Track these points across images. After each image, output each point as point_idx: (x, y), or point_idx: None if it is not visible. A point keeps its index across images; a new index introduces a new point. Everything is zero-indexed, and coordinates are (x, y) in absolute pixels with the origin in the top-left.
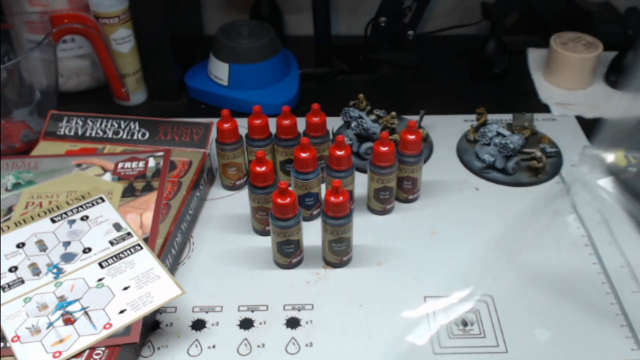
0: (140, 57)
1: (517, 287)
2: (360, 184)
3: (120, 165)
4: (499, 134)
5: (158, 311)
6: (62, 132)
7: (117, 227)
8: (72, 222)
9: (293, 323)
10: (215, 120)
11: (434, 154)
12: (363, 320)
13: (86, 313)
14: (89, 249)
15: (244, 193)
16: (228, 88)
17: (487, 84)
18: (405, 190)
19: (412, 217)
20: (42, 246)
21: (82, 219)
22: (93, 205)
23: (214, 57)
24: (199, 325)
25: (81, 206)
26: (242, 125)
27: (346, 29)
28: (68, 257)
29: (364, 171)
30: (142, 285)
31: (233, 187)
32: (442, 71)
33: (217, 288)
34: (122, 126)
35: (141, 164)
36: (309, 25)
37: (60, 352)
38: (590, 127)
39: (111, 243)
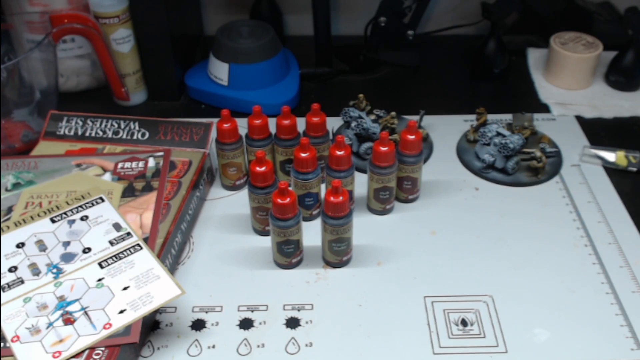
0: (140, 57)
1: (517, 287)
2: (360, 184)
3: (120, 165)
4: (498, 134)
5: (158, 311)
6: (62, 132)
7: (117, 227)
8: (71, 222)
9: (293, 323)
10: (215, 120)
11: (434, 154)
12: (363, 320)
13: (86, 313)
14: (89, 249)
15: (244, 193)
16: (228, 88)
17: (487, 84)
18: (405, 190)
19: (412, 217)
20: (42, 246)
21: (81, 219)
22: (93, 205)
23: (213, 57)
24: (198, 325)
25: (81, 206)
26: (242, 125)
27: (346, 29)
28: (68, 257)
29: (364, 171)
30: (141, 285)
31: (233, 187)
32: (442, 71)
33: (217, 288)
34: (122, 126)
35: (141, 164)
36: (309, 25)
37: (60, 352)
38: (590, 127)
39: (111, 243)
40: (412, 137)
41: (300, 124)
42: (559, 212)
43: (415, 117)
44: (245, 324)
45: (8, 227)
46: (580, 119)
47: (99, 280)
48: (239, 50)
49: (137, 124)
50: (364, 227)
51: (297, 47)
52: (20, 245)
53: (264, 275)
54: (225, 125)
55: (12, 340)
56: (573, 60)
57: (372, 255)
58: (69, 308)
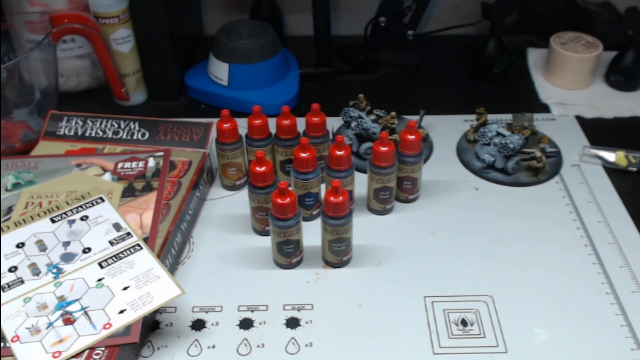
0: (140, 57)
1: (517, 287)
2: (360, 184)
3: (120, 165)
4: (498, 133)
5: (158, 311)
6: (62, 132)
7: (117, 227)
8: (71, 222)
9: (293, 323)
10: (215, 120)
11: (434, 154)
12: (363, 320)
13: (86, 313)
14: (89, 249)
15: (244, 193)
16: (228, 88)
17: (487, 84)
18: (405, 190)
19: (412, 217)
20: (42, 246)
21: (81, 219)
22: (93, 205)
23: (213, 57)
24: (198, 325)
25: (81, 206)
26: (242, 125)
27: (346, 29)
28: (68, 257)
29: (364, 171)
30: (141, 285)
31: (233, 187)
32: (442, 71)
33: (217, 288)
34: (122, 126)
35: (141, 164)
36: (309, 25)
37: (60, 352)
38: (590, 127)
39: (111, 243)
40: (412, 137)
41: (300, 124)
42: (559, 212)
43: (415, 117)
44: (245, 324)
45: (8, 227)
46: (580, 119)
47: (99, 280)
48: (239, 50)
49: (137, 124)
50: (364, 227)
51: (297, 47)
52: (20, 245)
53: (264, 275)
54: (225, 125)
55: (12, 340)
56: (573, 60)
57: (372, 255)
58: (69, 308)
